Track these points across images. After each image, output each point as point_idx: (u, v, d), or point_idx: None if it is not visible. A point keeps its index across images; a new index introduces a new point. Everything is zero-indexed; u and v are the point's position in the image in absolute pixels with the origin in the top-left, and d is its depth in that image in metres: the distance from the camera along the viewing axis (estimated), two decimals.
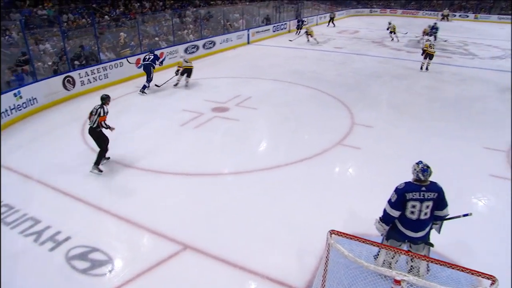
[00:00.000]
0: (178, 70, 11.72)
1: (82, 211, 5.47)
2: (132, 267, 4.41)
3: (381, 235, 4.08)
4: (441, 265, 3.28)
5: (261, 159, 7.13)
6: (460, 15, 38.51)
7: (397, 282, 3.06)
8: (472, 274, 3.11)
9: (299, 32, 23.14)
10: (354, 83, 12.60)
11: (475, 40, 23.38)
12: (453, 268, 3.23)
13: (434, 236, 4.51)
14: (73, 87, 10.63)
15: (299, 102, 10.41)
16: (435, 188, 3.76)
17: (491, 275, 2.98)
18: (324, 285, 3.86)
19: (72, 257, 4.54)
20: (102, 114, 6.35)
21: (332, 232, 3.61)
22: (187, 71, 11.58)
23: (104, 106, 6.45)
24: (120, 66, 12.18)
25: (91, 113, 6.39)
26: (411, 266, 3.92)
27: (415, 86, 12.44)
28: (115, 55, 12.95)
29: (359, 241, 3.74)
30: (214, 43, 16.89)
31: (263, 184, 6.26)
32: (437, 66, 15.53)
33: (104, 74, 11.63)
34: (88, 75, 11.10)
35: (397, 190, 3.78)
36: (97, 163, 6.50)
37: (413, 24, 30.25)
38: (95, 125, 6.35)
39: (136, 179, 6.37)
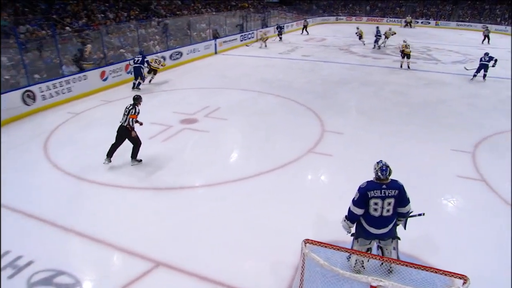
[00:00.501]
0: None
1: (44, 232, 5.22)
2: None
3: (348, 233, 4.21)
4: (416, 268, 3.35)
5: (232, 170, 7.10)
6: (422, 22, 40.18)
7: (373, 287, 3.08)
8: (445, 275, 3.20)
9: (281, 38, 25.22)
10: (323, 90, 12.81)
11: (437, 45, 24.37)
12: (427, 271, 3.31)
13: (409, 240, 4.62)
14: (34, 102, 10.26)
15: (269, 111, 10.47)
16: (396, 185, 3.95)
17: (463, 275, 3.07)
18: None
19: (36, 283, 4.31)
20: (133, 113, 6.88)
21: (306, 241, 3.62)
22: (154, 71, 13.16)
23: (136, 106, 6.98)
24: (84, 79, 11.87)
25: (124, 113, 6.94)
26: (382, 262, 4.05)
27: (383, 92, 12.79)
28: (78, 67, 12.63)
29: (334, 248, 3.79)
30: (181, 54, 16.79)
31: (235, 196, 6.22)
32: (403, 71, 16.07)
33: (67, 88, 11.29)
34: (49, 89, 10.74)
35: (359, 189, 3.98)
36: (134, 156, 7.14)
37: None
38: (126, 124, 6.86)
39: (102, 196, 6.19)
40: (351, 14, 43.56)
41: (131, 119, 6.83)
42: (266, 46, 21.84)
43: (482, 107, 11.38)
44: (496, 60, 14.30)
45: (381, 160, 4.01)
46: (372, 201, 3.90)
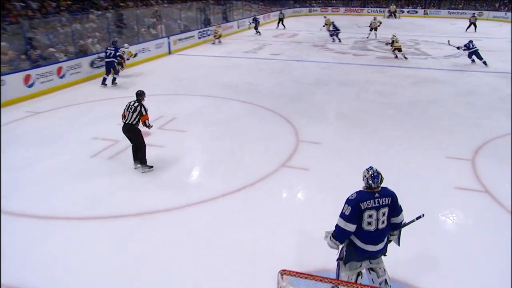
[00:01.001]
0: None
1: None
2: None
3: (337, 253, 4.21)
4: None
5: (194, 191, 6.99)
6: (408, 11, 41.61)
7: None
8: None
9: (258, 31, 26.52)
10: (296, 93, 12.99)
11: (426, 38, 25.30)
12: None
13: (404, 262, 4.68)
14: None
15: (234, 120, 10.49)
16: (388, 192, 4.04)
17: None
18: None
19: None
20: (144, 113, 7.14)
21: (283, 272, 3.58)
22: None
23: (142, 103, 7.23)
24: (3, 85, 11.34)
25: (127, 110, 7.19)
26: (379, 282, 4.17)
27: (365, 93, 13.08)
28: None
29: (316, 279, 3.77)
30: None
31: (198, 221, 6.13)
32: (388, 69, 16.52)
33: None
34: None
35: (349, 202, 3.95)
36: (143, 161, 7.46)
37: (359, 23, 31.96)
38: (134, 122, 7.15)
39: (32, 232, 5.90)
40: (327, 4, 44.63)
41: (141, 121, 7.22)
42: (220, 42, 22.96)
43: (481, 106, 11.80)
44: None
45: (371, 167, 4.08)
46: (366, 214, 3.90)
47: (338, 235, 4.02)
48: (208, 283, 4.87)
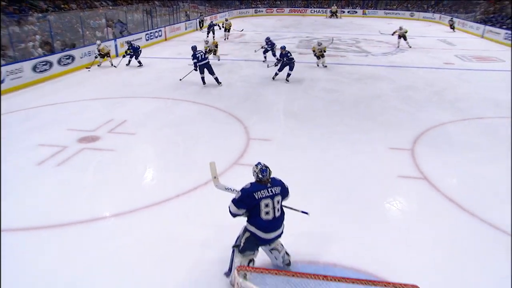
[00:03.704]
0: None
1: None
2: None
3: (233, 245, 4.50)
4: (365, 284, 3.46)
5: (147, 194, 6.84)
6: (348, 11, 42.76)
7: None
8: (395, 287, 3.33)
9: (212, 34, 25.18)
10: (244, 93, 13.02)
11: (365, 36, 26.03)
12: (376, 285, 3.43)
13: (353, 252, 4.81)
14: None
15: (186, 121, 10.37)
16: (277, 182, 4.42)
17: (414, 285, 3.22)
18: None
19: None
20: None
21: (239, 268, 3.58)
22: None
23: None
24: None
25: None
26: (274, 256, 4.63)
27: (312, 90, 13.30)
28: None
29: (272, 273, 3.80)
30: (72, 58, 15.96)
31: (151, 224, 6.00)
32: (333, 66, 16.87)
33: None
34: None
35: (242, 190, 4.31)
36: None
37: (303, 24, 32.52)
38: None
39: None
40: (272, 5, 45.00)
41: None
42: (114, 65, 17.03)
43: (418, 100, 12.32)
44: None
45: (259, 162, 4.39)
46: (262, 204, 4.20)
47: (231, 214, 4.36)
48: (165, 281, 4.80)
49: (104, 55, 16.74)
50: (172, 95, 12.70)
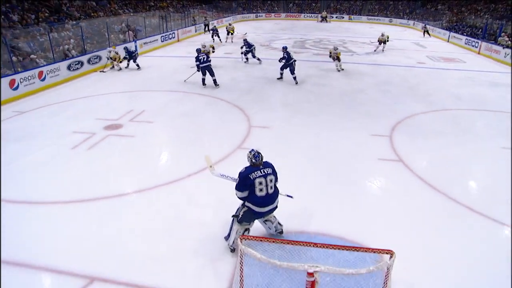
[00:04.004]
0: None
1: None
2: None
3: (233, 215, 4.65)
4: (348, 250, 3.50)
5: (163, 174, 6.86)
6: (336, 17, 42.33)
7: (310, 274, 3.15)
8: (374, 252, 3.38)
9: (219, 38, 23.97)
10: (247, 87, 12.93)
11: (351, 38, 25.80)
12: (358, 251, 3.48)
13: (339, 222, 4.83)
14: None
15: (196, 111, 10.33)
16: (268, 164, 4.50)
17: (389, 250, 3.26)
18: None
19: None
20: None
21: (242, 237, 3.61)
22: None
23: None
24: None
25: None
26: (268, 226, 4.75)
27: (305, 85, 13.22)
28: None
29: (269, 241, 3.85)
30: (99, 58, 15.87)
31: (168, 199, 6.03)
32: (322, 64, 16.75)
33: None
34: None
35: (239, 175, 4.41)
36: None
37: (297, 26, 32.21)
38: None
39: (22, 215, 5.64)
40: (270, 11, 44.51)
41: None
42: (120, 68, 15.84)
43: (395, 93, 12.28)
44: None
45: (252, 149, 4.47)
46: (257, 182, 4.30)
47: (239, 197, 4.50)
48: (176, 252, 4.84)
49: (114, 59, 15.83)
50: (183, 88, 12.63)
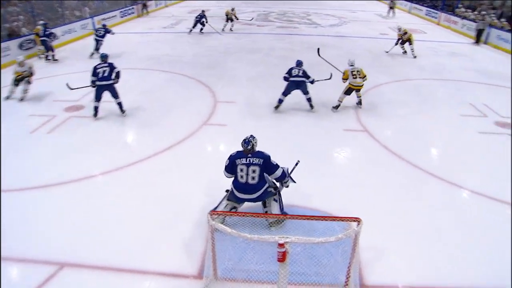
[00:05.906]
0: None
1: None
2: None
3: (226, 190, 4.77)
4: (316, 219, 3.56)
5: (129, 154, 6.67)
6: None
7: (281, 245, 3.19)
8: (342, 220, 3.46)
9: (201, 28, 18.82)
10: (211, 61, 12.69)
11: (315, 10, 25.69)
12: (326, 220, 3.54)
13: (307, 193, 4.90)
14: None
15: (159, 88, 10.06)
16: (261, 155, 4.46)
17: (356, 218, 3.35)
18: (216, 266, 3.87)
19: None
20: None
21: (212, 213, 3.61)
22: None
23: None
24: None
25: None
26: (265, 211, 4.68)
27: (269, 58, 13.14)
28: None
29: (239, 215, 3.86)
30: (54, 36, 14.96)
31: (134, 180, 5.90)
32: (286, 36, 16.66)
33: None
34: None
35: (229, 157, 4.53)
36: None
37: (257, 4, 31.70)
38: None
39: None
40: None
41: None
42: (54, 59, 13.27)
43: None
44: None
45: (250, 135, 4.50)
46: (238, 168, 4.42)
47: (226, 177, 4.67)
48: (146, 231, 4.79)
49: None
50: (144, 65, 12.24)
